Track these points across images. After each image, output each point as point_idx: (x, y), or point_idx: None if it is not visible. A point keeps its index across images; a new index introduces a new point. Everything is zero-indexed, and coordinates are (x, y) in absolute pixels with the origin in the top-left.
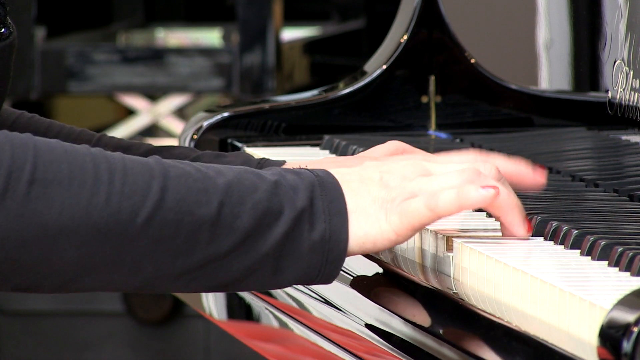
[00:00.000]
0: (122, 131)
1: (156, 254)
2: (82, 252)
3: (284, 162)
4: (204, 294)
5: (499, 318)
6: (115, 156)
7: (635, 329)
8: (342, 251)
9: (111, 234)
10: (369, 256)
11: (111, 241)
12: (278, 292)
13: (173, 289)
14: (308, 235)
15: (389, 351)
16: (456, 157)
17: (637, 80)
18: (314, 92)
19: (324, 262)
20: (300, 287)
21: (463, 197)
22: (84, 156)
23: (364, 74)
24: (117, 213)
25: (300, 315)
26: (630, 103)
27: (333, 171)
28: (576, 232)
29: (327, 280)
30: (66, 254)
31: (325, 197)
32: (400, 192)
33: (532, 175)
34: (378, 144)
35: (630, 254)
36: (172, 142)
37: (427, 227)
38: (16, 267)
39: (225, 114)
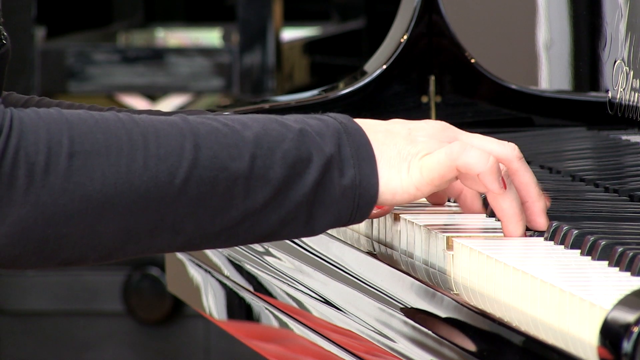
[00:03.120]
0: None
1: (196, 214)
2: (126, 219)
3: None
4: (203, 294)
5: (499, 318)
6: (144, 119)
7: (636, 329)
8: (372, 195)
9: (152, 198)
10: (369, 253)
11: (152, 205)
12: (278, 292)
13: (213, 246)
14: (338, 181)
15: (389, 351)
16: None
17: (637, 80)
18: (314, 92)
19: (356, 207)
20: (300, 287)
21: (486, 159)
22: (115, 123)
23: (364, 74)
24: (155, 177)
25: (300, 315)
26: (630, 103)
27: (361, 121)
28: (576, 232)
29: (358, 222)
30: (111, 223)
31: (352, 144)
32: (425, 146)
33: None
34: None
35: (631, 254)
36: None
37: (427, 227)
38: (64, 242)
39: (226, 114)
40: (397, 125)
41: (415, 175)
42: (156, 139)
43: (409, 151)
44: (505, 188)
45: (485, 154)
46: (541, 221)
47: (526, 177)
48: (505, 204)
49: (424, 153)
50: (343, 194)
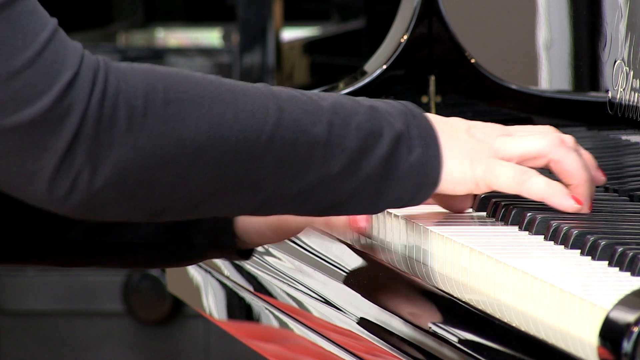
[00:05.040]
0: None
1: (277, 174)
2: (215, 170)
3: None
4: (203, 294)
5: (499, 318)
6: (229, 80)
7: (636, 329)
8: (436, 178)
9: (240, 152)
10: (370, 258)
11: (240, 159)
12: (278, 292)
13: (285, 211)
14: (406, 158)
15: (389, 351)
16: (537, 128)
17: (637, 80)
18: (314, 92)
19: (419, 186)
20: (300, 287)
21: (551, 194)
22: (204, 79)
23: (364, 74)
24: (245, 130)
25: (300, 315)
26: (630, 103)
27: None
28: (576, 232)
29: (417, 204)
30: (202, 172)
31: (418, 126)
32: (487, 147)
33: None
34: None
35: (631, 254)
36: None
37: (428, 227)
38: (155, 189)
39: None
40: (457, 120)
41: (479, 172)
42: (243, 96)
43: (472, 147)
44: (581, 203)
45: (547, 181)
46: (584, 206)
47: (569, 164)
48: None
49: (489, 154)
50: (409, 172)
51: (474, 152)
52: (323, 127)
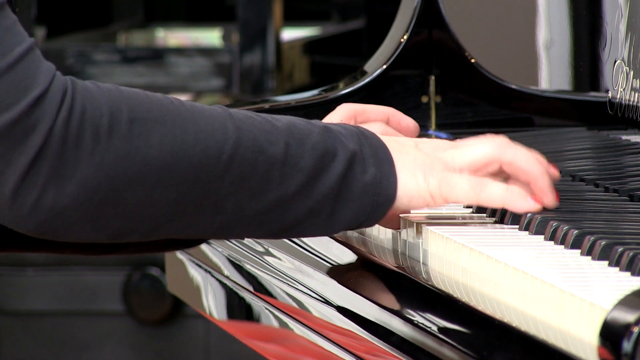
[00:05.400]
0: None
1: (237, 194)
2: (179, 190)
3: None
4: (203, 294)
5: (499, 318)
6: (186, 101)
7: (636, 329)
8: (391, 195)
9: (202, 172)
10: (370, 258)
11: (202, 179)
12: (278, 292)
13: (243, 233)
14: (361, 177)
15: (389, 351)
16: (478, 140)
17: (637, 80)
18: (314, 92)
19: (374, 205)
20: (300, 286)
21: (511, 199)
22: (165, 99)
23: (364, 73)
24: (206, 150)
25: (300, 315)
26: (631, 103)
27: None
28: (576, 232)
29: (372, 224)
30: (166, 192)
31: (371, 145)
32: (438, 160)
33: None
34: None
35: (631, 254)
36: None
37: (428, 227)
38: (120, 209)
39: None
40: (403, 137)
41: (434, 185)
42: (203, 117)
43: (423, 160)
44: (541, 202)
45: (504, 187)
46: (548, 199)
47: (521, 162)
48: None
49: (441, 167)
50: (364, 191)
51: (425, 165)
52: (280, 146)
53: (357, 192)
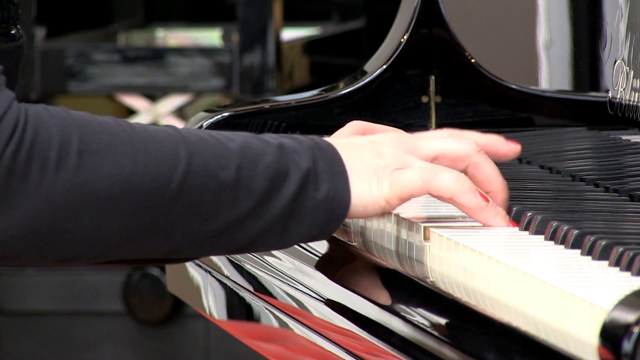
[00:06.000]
0: None
1: (186, 219)
2: (127, 219)
3: None
4: (203, 294)
5: (499, 318)
6: (138, 125)
7: (636, 329)
8: (344, 209)
9: (152, 200)
10: (370, 258)
11: (151, 207)
12: (278, 292)
13: (196, 253)
14: (314, 195)
15: (389, 351)
16: (434, 133)
17: (638, 80)
18: (314, 92)
19: (327, 221)
20: (301, 287)
21: (460, 191)
22: (116, 126)
23: (364, 73)
24: (156, 179)
25: (300, 315)
26: (631, 103)
27: (325, 138)
28: (576, 232)
29: (326, 237)
30: (113, 221)
31: (325, 159)
32: (393, 160)
33: (506, 145)
34: None
35: (631, 253)
36: None
37: (428, 227)
38: (67, 238)
39: (226, 114)
40: (359, 139)
41: (385, 189)
42: (154, 143)
43: (376, 164)
44: (487, 201)
45: (455, 175)
46: (500, 214)
47: (489, 169)
48: (488, 217)
49: (394, 167)
50: (316, 208)
51: (378, 170)
52: (231, 170)
53: (310, 210)
